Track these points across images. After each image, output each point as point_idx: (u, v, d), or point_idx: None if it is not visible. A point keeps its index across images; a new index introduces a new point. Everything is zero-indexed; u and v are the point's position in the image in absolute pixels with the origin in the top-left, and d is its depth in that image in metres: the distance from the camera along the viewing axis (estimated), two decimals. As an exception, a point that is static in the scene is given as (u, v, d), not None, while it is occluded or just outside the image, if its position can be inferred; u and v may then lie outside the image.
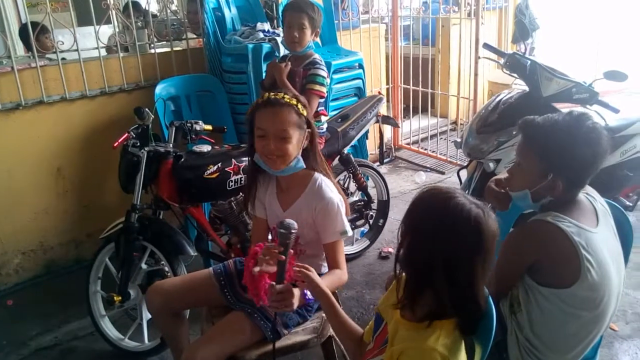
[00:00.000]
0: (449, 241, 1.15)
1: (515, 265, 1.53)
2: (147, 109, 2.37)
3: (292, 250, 1.55)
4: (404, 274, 1.32)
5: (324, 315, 1.89)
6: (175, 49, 3.43)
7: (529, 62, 2.78)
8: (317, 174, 1.79)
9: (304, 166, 1.77)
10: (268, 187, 1.88)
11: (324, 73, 2.61)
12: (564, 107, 2.79)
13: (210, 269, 2.00)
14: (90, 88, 3.13)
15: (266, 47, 3.16)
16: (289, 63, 2.63)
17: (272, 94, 1.71)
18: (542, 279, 1.50)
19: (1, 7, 2.99)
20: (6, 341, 2.63)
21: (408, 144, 4.99)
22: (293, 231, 1.50)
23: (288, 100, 1.69)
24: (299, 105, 1.70)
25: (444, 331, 1.18)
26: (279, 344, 1.78)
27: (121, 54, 3.21)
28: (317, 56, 2.67)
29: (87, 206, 3.26)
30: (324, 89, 2.61)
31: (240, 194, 2.55)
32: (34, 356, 2.53)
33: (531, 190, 1.56)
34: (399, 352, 1.19)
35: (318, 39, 3.20)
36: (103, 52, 3.22)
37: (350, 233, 1.79)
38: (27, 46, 3.52)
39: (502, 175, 1.89)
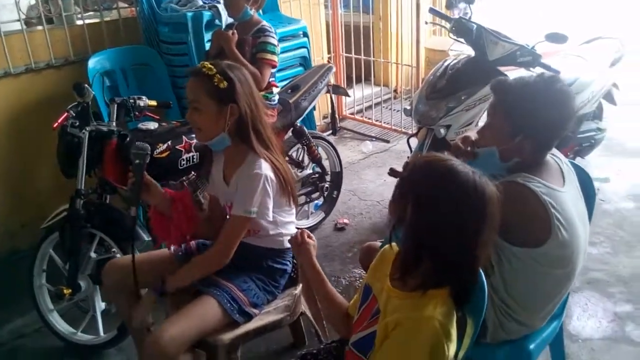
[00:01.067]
0: (456, 210, 1.12)
1: None
2: (86, 85, 2.18)
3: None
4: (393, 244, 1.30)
5: (295, 292, 1.86)
6: (105, 19, 3.18)
7: (475, 26, 2.80)
8: (252, 154, 1.70)
9: (229, 143, 1.72)
10: (218, 162, 1.84)
11: (274, 41, 2.51)
12: (509, 71, 2.86)
13: (172, 248, 1.91)
14: (14, 65, 2.84)
15: (207, 15, 3.00)
16: (236, 31, 2.50)
17: (202, 63, 1.67)
18: (514, 239, 1.52)
19: None
20: (-59, 346, 2.41)
21: (352, 113, 4.95)
22: (142, 152, 1.68)
23: (206, 71, 1.64)
24: (216, 77, 1.62)
25: (439, 299, 1.16)
26: (251, 325, 1.74)
27: (46, 26, 2.93)
28: (265, 23, 2.56)
29: (19, 194, 3.00)
30: (276, 58, 2.52)
31: (193, 172, 2.43)
32: (-25, 360, 2.34)
33: (499, 149, 1.56)
34: (394, 323, 1.17)
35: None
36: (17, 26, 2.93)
37: (254, 216, 1.67)
38: None
39: (470, 133, 1.90)
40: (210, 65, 1.64)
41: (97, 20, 3.17)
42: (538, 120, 1.50)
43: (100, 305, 2.28)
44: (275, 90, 2.73)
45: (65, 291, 2.16)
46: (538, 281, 1.53)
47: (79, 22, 3.12)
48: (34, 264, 2.31)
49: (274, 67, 2.55)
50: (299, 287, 1.89)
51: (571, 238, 1.51)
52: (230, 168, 1.75)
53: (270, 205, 1.71)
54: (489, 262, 1.58)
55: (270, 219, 1.73)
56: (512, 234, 1.53)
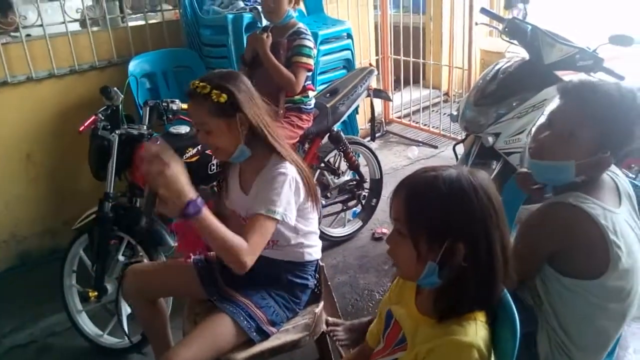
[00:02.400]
0: (487, 224, 1.02)
1: (533, 255, 1.37)
2: (115, 88, 2.17)
3: None
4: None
5: (316, 311, 1.75)
6: (150, 21, 3.20)
7: (530, 27, 2.59)
8: (275, 156, 1.61)
9: (249, 154, 1.61)
10: (233, 172, 1.75)
11: (310, 44, 2.41)
12: (566, 75, 2.63)
13: (191, 257, 1.84)
14: (58, 66, 2.90)
15: (247, 17, 2.94)
16: (270, 34, 2.42)
17: (194, 83, 1.56)
18: (564, 268, 1.35)
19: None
20: (-22, 340, 2.47)
21: (399, 117, 4.80)
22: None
23: (200, 90, 1.53)
24: (213, 93, 1.51)
25: (479, 324, 1.04)
26: (268, 344, 1.64)
27: (91, 29, 2.97)
28: (301, 25, 2.46)
29: (61, 193, 3.06)
30: (312, 61, 2.42)
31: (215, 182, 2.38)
32: (7, 355, 2.37)
33: (577, 163, 1.36)
34: (426, 350, 1.04)
35: (302, 7, 2.99)
36: (73, 27, 2.99)
37: (279, 217, 1.50)
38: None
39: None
40: (202, 83, 1.54)
41: (141, 23, 3.19)
42: (629, 138, 1.34)
43: (127, 309, 2.25)
44: (312, 94, 2.63)
45: (91, 294, 2.16)
46: (591, 315, 1.34)
47: (124, 25, 3.16)
48: (64, 264, 2.33)
49: (309, 70, 2.45)
50: (321, 304, 1.78)
51: (632, 266, 1.32)
52: (249, 175, 1.66)
53: (295, 210, 1.59)
54: (534, 291, 1.43)
55: (292, 223, 1.59)
56: (563, 262, 1.35)
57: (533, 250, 1.36)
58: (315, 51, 2.49)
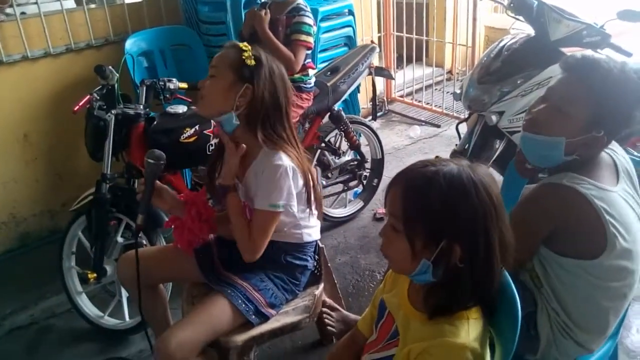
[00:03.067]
0: (487, 222, 0.97)
1: (528, 238, 1.33)
2: (109, 67, 2.12)
3: None
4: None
5: (316, 292, 1.73)
6: (146, -2, 3.13)
7: (536, 2, 2.52)
8: (267, 147, 1.57)
9: (236, 123, 1.56)
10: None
11: (310, 21, 2.35)
12: (572, 52, 2.57)
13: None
14: (54, 45, 2.84)
15: (246, -7, 2.88)
16: (269, 11, 2.36)
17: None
18: (562, 249, 1.32)
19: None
20: (-22, 322, 2.47)
21: (401, 96, 4.73)
22: (155, 162, 1.55)
23: (241, 46, 1.57)
24: (247, 53, 1.54)
25: (472, 322, 1.01)
26: (267, 326, 1.62)
27: (87, 6, 2.91)
28: (301, 2, 2.40)
29: (59, 174, 3.03)
30: (311, 39, 2.36)
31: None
32: (8, 337, 2.37)
33: (568, 140, 1.32)
34: (419, 350, 1.01)
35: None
36: (69, 5, 2.92)
37: (281, 210, 1.54)
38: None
39: None
40: (248, 45, 1.57)
41: (138, 0, 3.12)
42: (627, 119, 1.29)
43: (126, 291, 2.25)
44: (312, 72, 2.58)
45: (90, 275, 2.14)
46: (593, 296, 1.32)
47: (120, 2, 3.09)
48: (63, 246, 2.31)
49: (309, 49, 2.40)
50: (321, 286, 1.76)
51: (631, 246, 1.29)
52: (242, 162, 1.62)
53: (296, 198, 1.58)
54: (533, 273, 1.40)
55: (297, 212, 1.61)
56: (560, 244, 1.33)
57: (528, 232, 1.33)
58: (315, 28, 2.43)
